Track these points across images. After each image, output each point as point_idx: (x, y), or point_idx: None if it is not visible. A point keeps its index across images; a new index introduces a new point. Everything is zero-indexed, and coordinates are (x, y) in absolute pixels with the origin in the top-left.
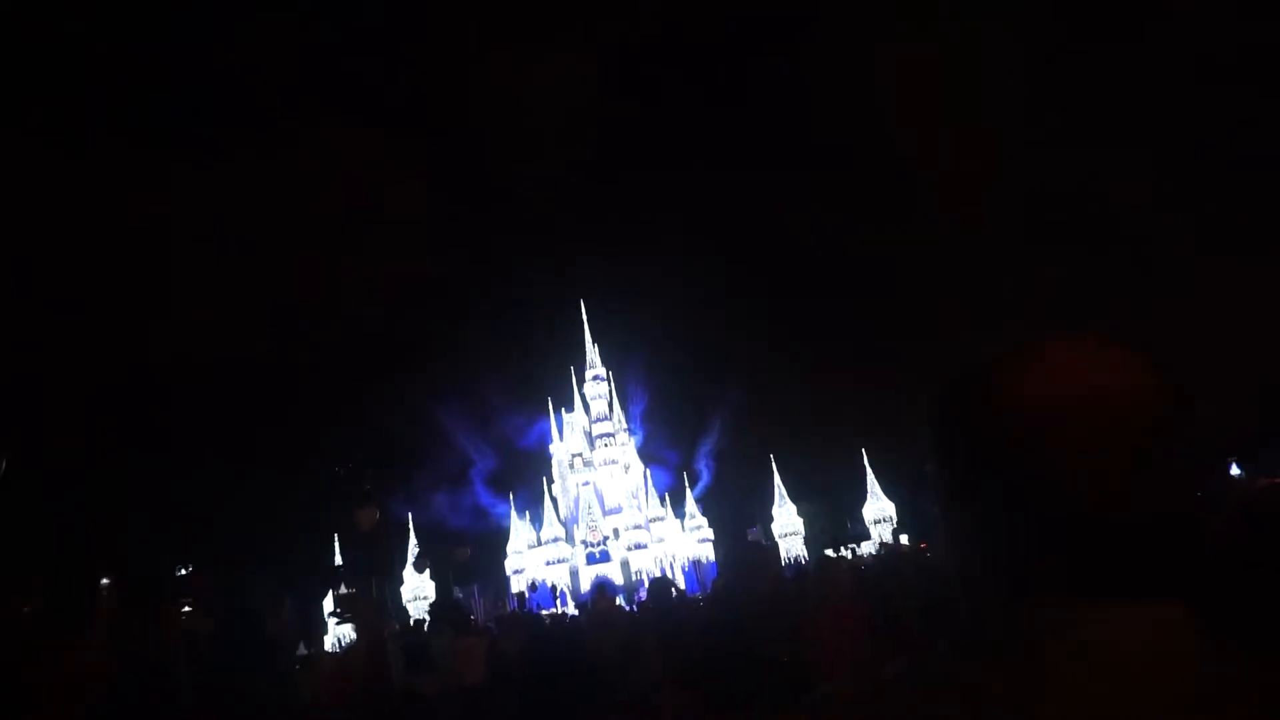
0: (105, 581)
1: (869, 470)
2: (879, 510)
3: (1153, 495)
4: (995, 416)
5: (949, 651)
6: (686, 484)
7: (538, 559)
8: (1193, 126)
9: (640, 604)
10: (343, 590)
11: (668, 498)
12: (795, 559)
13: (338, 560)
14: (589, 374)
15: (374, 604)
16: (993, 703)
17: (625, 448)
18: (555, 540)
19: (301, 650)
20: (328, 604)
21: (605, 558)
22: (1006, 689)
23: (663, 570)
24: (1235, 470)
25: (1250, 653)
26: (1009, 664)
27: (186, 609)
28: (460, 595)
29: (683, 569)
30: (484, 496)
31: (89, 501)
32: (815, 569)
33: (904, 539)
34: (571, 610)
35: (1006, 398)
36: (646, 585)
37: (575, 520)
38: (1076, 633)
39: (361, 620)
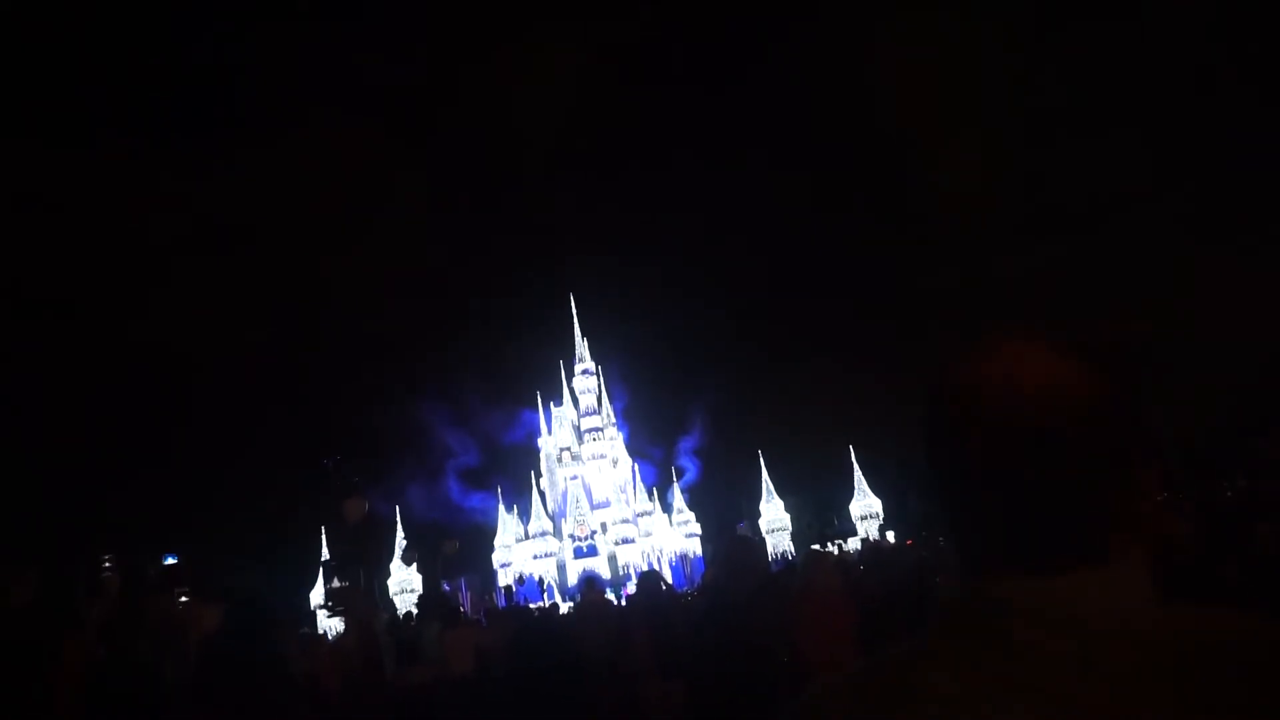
0: (107, 568)
1: (856, 467)
2: (866, 506)
3: (1061, 471)
4: (937, 405)
5: (929, 632)
6: (674, 479)
7: (525, 553)
8: (1189, 116)
9: (629, 597)
10: (335, 584)
11: (655, 492)
12: (782, 554)
13: (324, 553)
14: (578, 368)
15: (366, 597)
16: (969, 678)
17: (614, 442)
18: (543, 534)
19: (304, 630)
20: (315, 595)
21: (593, 552)
22: (980, 663)
23: (650, 565)
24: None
25: (1199, 607)
26: (977, 639)
27: (184, 598)
28: (448, 588)
29: (670, 563)
30: (472, 490)
31: (80, 493)
32: (802, 562)
33: (890, 535)
34: (561, 604)
35: (945, 388)
36: (634, 579)
37: (563, 514)
38: (1033, 602)
39: (355, 613)
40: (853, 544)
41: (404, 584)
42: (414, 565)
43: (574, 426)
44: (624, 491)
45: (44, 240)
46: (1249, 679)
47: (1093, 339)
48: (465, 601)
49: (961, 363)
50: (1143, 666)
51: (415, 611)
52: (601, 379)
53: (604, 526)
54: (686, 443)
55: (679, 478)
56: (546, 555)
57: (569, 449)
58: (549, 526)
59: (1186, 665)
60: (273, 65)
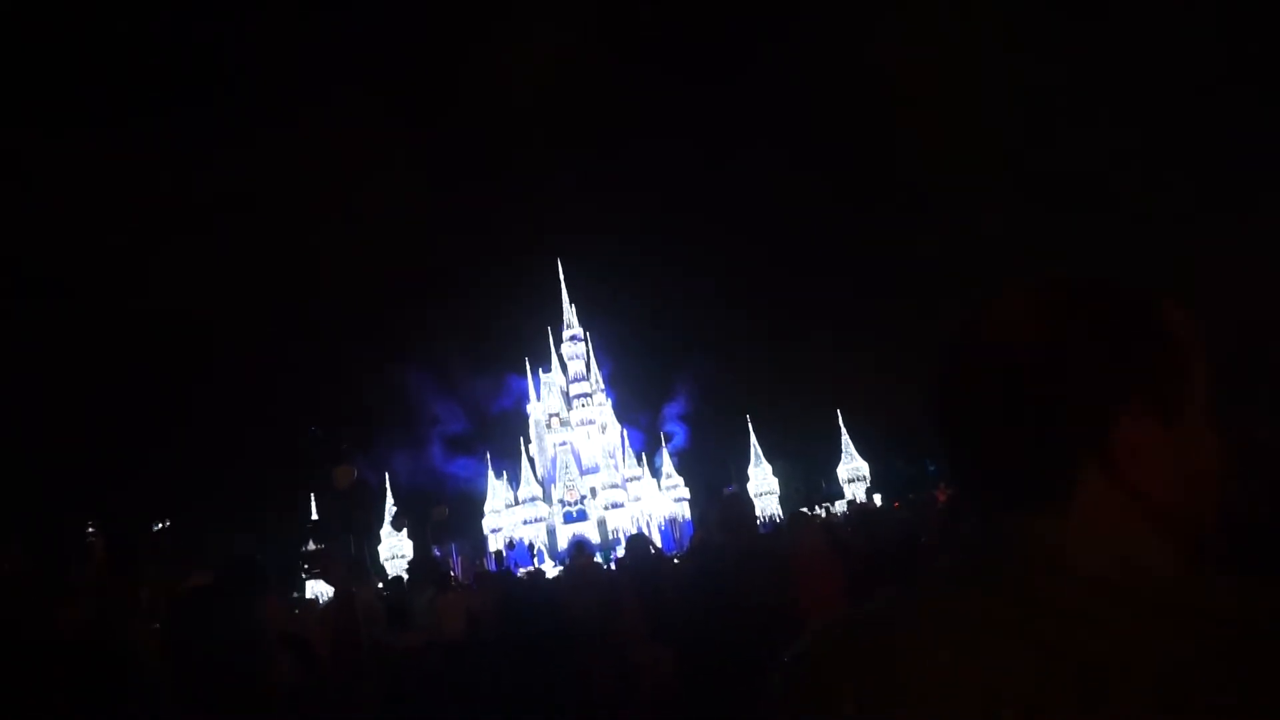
0: (91, 534)
1: (843, 430)
2: (853, 470)
3: (1034, 417)
4: (979, 347)
5: (932, 576)
6: (663, 444)
7: (515, 518)
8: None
9: (618, 561)
10: (311, 546)
11: (644, 457)
12: (770, 517)
13: (314, 519)
14: (566, 334)
15: (342, 560)
16: (969, 617)
17: (603, 408)
18: (532, 500)
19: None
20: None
21: (582, 517)
22: (984, 604)
23: (639, 529)
24: None
25: (1214, 572)
26: (991, 584)
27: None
28: (438, 554)
29: (659, 528)
30: (461, 456)
31: (66, 461)
32: (788, 524)
33: (877, 498)
34: (549, 570)
35: (959, 336)
36: (623, 543)
37: (552, 480)
38: (1054, 551)
39: (330, 577)
40: (839, 507)
41: (394, 550)
42: (404, 532)
43: (562, 392)
44: (613, 457)
45: (40, 217)
46: (1251, 648)
47: (1092, 286)
48: (456, 567)
49: (973, 314)
50: (1144, 618)
51: (406, 577)
52: (590, 345)
53: (593, 491)
54: (674, 408)
55: (667, 442)
56: (536, 520)
57: (558, 415)
58: (538, 492)
59: (1188, 625)
60: (262, 29)
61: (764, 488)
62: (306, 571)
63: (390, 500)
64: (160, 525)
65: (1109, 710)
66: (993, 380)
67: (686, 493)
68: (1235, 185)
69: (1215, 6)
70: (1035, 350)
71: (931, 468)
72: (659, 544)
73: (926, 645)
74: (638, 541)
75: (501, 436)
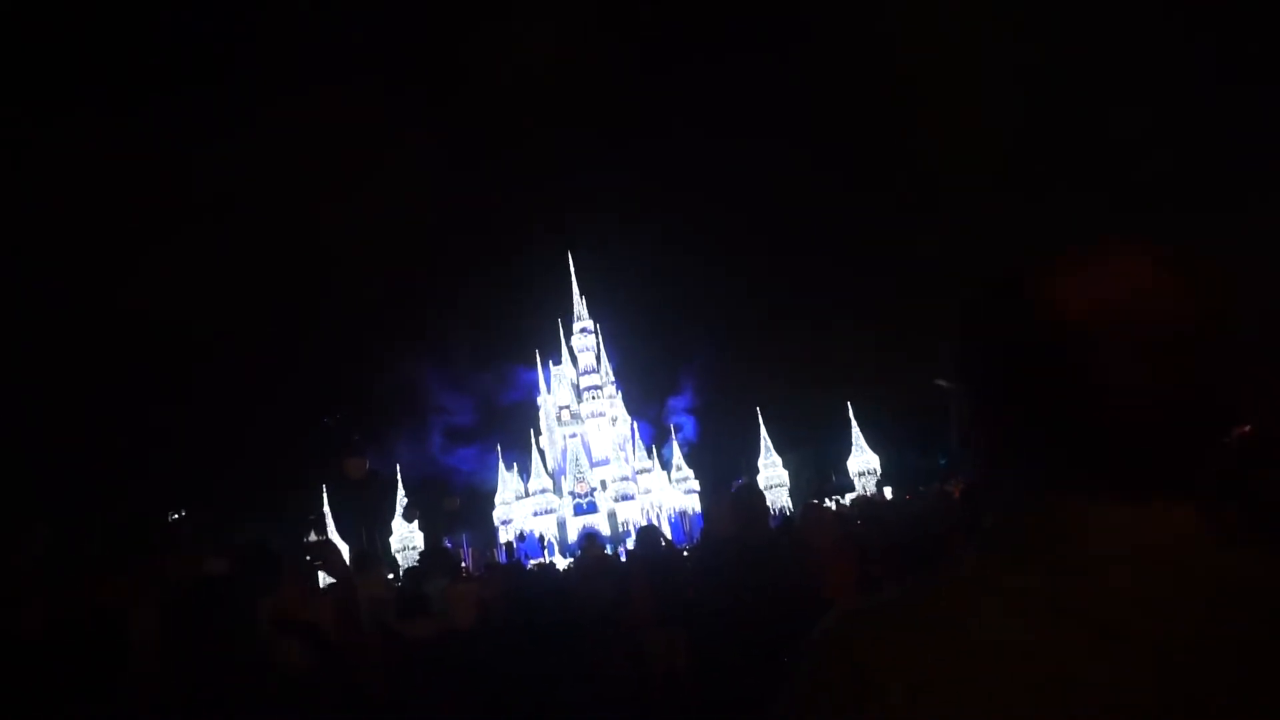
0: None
1: (854, 423)
2: (864, 463)
3: (1190, 402)
4: (1036, 322)
5: (972, 558)
6: (673, 436)
7: (525, 510)
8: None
9: (629, 553)
10: (312, 537)
11: (654, 450)
12: (780, 510)
13: (326, 509)
14: (577, 326)
15: (370, 559)
16: (1025, 599)
17: (613, 400)
18: (543, 491)
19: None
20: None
21: (592, 509)
22: (1039, 585)
23: (649, 521)
24: None
25: (1257, 551)
26: (1033, 564)
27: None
28: (449, 545)
29: (669, 520)
30: (472, 448)
31: (82, 450)
32: (800, 516)
33: (888, 491)
34: (559, 562)
35: (1047, 304)
36: (633, 535)
37: (563, 472)
38: (1105, 528)
39: (330, 567)
40: (850, 499)
41: (405, 541)
42: (415, 523)
43: (573, 385)
44: (623, 449)
45: (37, 211)
46: None
47: (1198, 257)
48: (467, 558)
49: (1059, 272)
50: (1200, 607)
51: (418, 566)
52: (600, 337)
53: (603, 484)
54: (685, 400)
55: (677, 434)
56: (547, 512)
57: (568, 407)
58: (549, 484)
59: (1245, 612)
60: (266, 20)
61: (774, 480)
62: (307, 563)
63: (401, 491)
64: (176, 514)
65: (1183, 691)
66: (1156, 351)
67: (697, 485)
68: (1236, 184)
69: (1216, 6)
70: (1199, 322)
71: (943, 460)
72: (669, 536)
73: (986, 628)
74: (648, 533)
75: (512, 428)
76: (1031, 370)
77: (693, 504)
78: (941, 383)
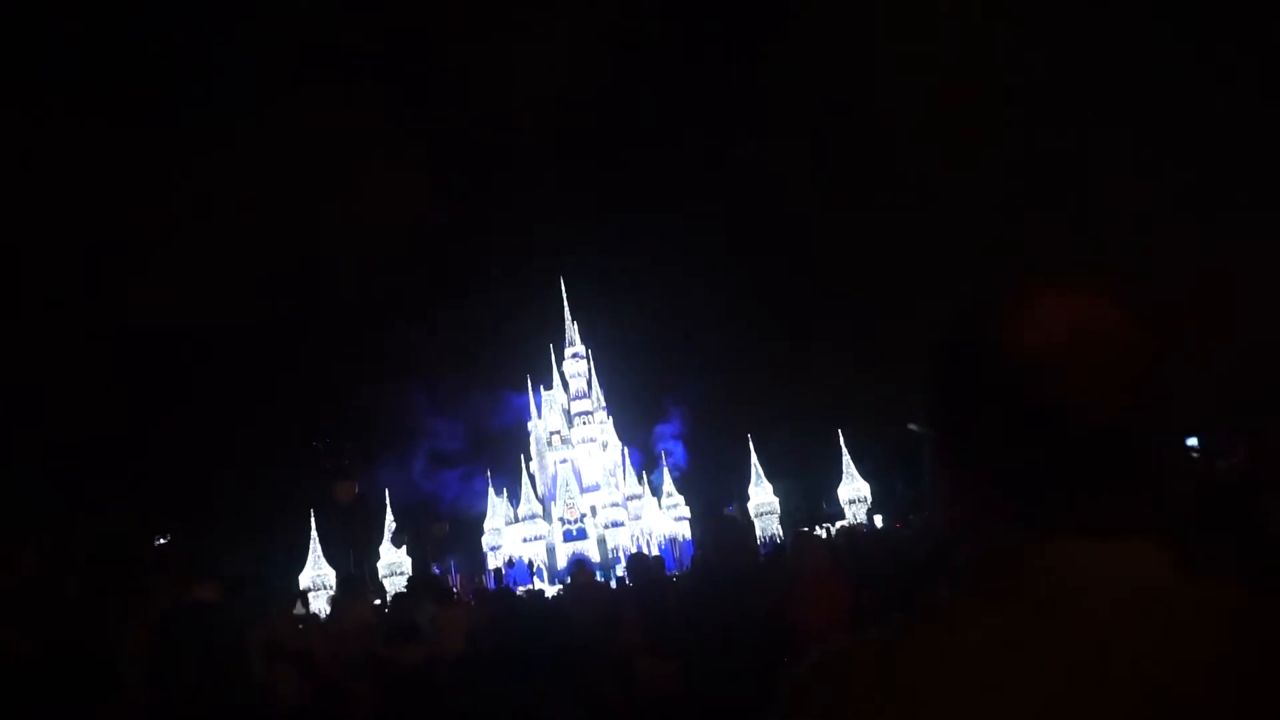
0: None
1: (844, 451)
2: (854, 491)
3: (1146, 430)
4: (995, 366)
5: (946, 599)
6: (664, 463)
7: (515, 536)
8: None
9: (619, 580)
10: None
11: (645, 476)
12: (771, 537)
13: (314, 534)
14: (568, 352)
15: (357, 582)
16: (1002, 638)
17: (604, 426)
18: (532, 517)
19: (299, 610)
20: (304, 577)
21: (582, 535)
22: (1015, 624)
23: (639, 547)
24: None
25: (1219, 583)
26: (1007, 604)
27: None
28: (438, 570)
29: (660, 546)
30: (462, 473)
31: (68, 473)
32: (791, 544)
33: (878, 519)
34: (548, 589)
35: (1002, 347)
36: (623, 562)
37: (553, 497)
38: (1076, 566)
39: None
40: (836, 528)
41: (393, 567)
42: (404, 548)
43: (564, 410)
44: (613, 475)
45: (29, 216)
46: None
47: (1139, 294)
48: (455, 584)
49: (1007, 313)
50: (1174, 642)
51: (406, 592)
52: (592, 363)
53: (593, 510)
54: (676, 426)
55: (668, 460)
56: (536, 538)
57: (559, 432)
58: (539, 510)
59: (1218, 645)
60: (262, 36)
61: (765, 507)
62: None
63: (390, 516)
64: (162, 539)
65: None
66: (1114, 392)
67: (687, 512)
68: (1235, 186)
69: (1214, 7)
70: (1127, 366)
71: None
72: (660, 561)
73: (954, 672)
74: (639, 560)
75: (502, 453)
76: (993, 412)
77: (683, 530)
78: (913, 427)
